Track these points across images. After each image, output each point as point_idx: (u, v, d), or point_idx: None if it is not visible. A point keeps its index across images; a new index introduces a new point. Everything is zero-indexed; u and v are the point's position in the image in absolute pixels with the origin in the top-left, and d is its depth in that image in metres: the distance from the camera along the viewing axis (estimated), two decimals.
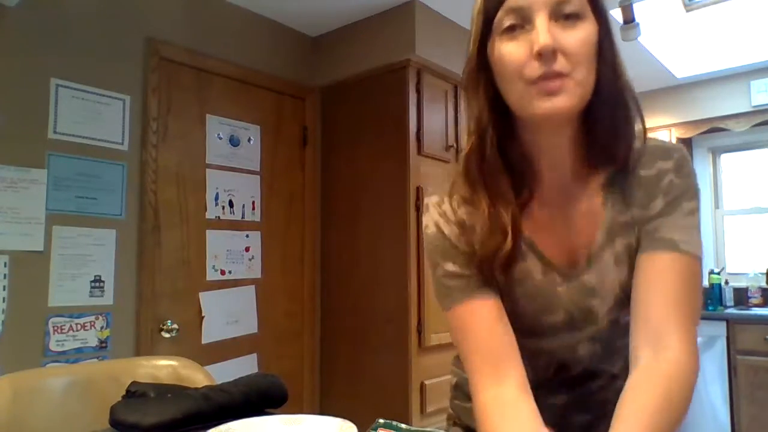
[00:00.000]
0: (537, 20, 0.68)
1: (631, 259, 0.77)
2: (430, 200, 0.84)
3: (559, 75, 0.68)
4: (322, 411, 2.74)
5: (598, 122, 0.74)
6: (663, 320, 0.70)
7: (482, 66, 0.75)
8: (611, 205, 0.78)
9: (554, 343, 0.84)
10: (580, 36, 0.69)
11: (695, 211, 0.75)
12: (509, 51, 0.70)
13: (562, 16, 0.69)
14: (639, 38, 2.73)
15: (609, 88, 0.72)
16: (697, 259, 0.73)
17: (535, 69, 0.68)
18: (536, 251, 0.80)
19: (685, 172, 0.76)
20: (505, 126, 0.76)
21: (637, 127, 0.77)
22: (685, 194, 0.75)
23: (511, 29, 0.70)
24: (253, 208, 2.63)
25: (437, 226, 0.81)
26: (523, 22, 0.70)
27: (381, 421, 0.79)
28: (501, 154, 0.77)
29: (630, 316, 0.74)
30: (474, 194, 0.78)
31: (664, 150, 0.78)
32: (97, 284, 2.07)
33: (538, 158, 0.78)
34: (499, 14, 0.71)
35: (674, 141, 3.79)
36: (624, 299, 0.78)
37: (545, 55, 0.67)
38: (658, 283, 0.72)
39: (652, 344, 0.69)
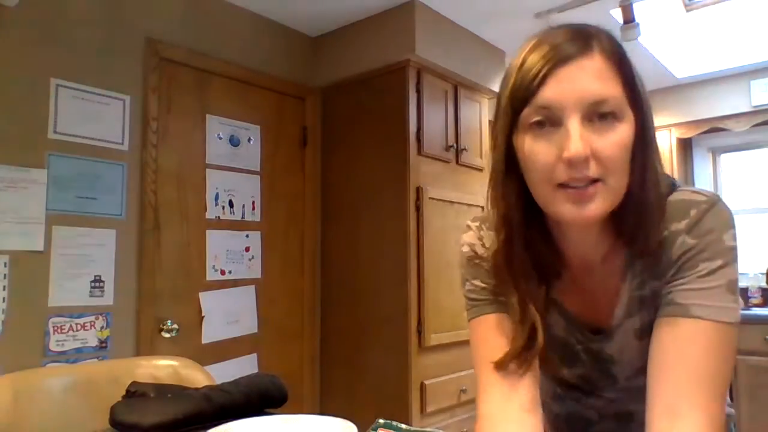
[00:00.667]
0: (570, 124, 0.63)
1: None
2: (473, 222, 0.85)
3: (592, 180, 0.64)
4: (322, 411, 2.74)
5: (628, 218, 0.70)
6: (678, 393, 0.64)
7: (510, 160, 0.70)
8: (629, 281, 0.75)
9: (574, 395, 0.86)
10: (615, 140, 0.64)
11: (718, 271, 0.67)
12: (537, 151, 0.66)
13: (597, 116, 0.64)
14: (639, 38, 2.73)
15: (642, 187, 0.68)
16: (717, 324, 0.66)
17: (563, 173, 0.64)
18: (560, 308, 0.80)
19: (702, 229, 0.68)
20: (532, 218, 0.73)
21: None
22: (701, 253, 0.68)
23: (540, 125, 0.66)
24: (253, 208, 2.63)
25: (471, 246, 0.83)
26: (552, 122, 0.65)
27: (381, 421, 0.79)
28: (528, 246, 0.74)
29: (647, 384, 0.70)
30: (504, 289, 0.77)
31: (681, 208, 0.70)
32: (97, 284, 2.07)
33: (566, 248, 0.77)
34: (527, 110, 0.66)
35: (674, 141, 3.79)
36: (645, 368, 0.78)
37: (576, 163, 0.63)
38: (670, 353, 0.67)
39: (667, 417, 0.64)
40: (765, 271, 3.64)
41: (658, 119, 3.81)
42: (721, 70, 3.55)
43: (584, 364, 0.82)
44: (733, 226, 0.69)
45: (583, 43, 0.66)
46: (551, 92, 0.64)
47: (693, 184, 4.03)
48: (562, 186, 0.65)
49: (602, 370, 0.82)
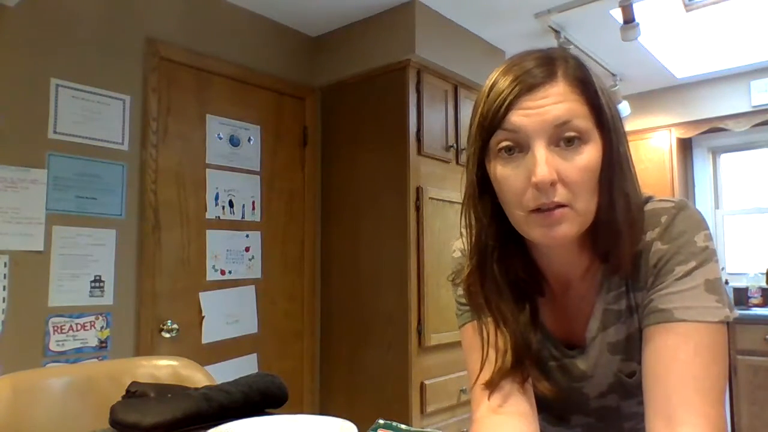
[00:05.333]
0: (536, 149, 0.65)
1: (632, 345, 0.75)
2: (465, 229, 0.86)
3: (559, 205, 0.65)
4: (322, 411, 2.74)
5: (600, 238, 0.72)
6: (674, 400, 0.64)
7: (483, 184, 0.72)
8: (604, 294, 0.76)
9: (546, 413, 0.86)
10: (581, 164, 0.66)
11: (694, 272, 0.67)
12: (507, 176, 0.68)
13: (564, 140, 0.66)
14: (639, 38, 2.73)
15: (610, 208, 0.69)
16: (702, 325, 0.65)
17: (532, 198, 0.66)
18: (539, 324, 0.81)
19: (673, 234, 0.69)
20: (508, 239, 0.75)
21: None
22: (675, 257, 0.68)
23: (509, 150, 0.68)
24: (253, 208, 2.63)
25: (463, 252, 0.84)
26: (520, 147, 0.67)
27: (381, 421, 0.79)
28: (503, 267, 0.75)
29: (643, 396, 0.69)
30: (477, 308, 0.78)
31: (652, 217, 0.72)
32: (97, 284, 2.07)
33: (545, 266, 0.78)
34: (495, 136, 0.68)
35: (674, 141, 3.79)
36: (620, 385, 0.79)
37: (543, 188, 0.65)
38: (660, 360, 0.66)
39: (666, 427, 0.64)
40: (765, 271, 3.64)
41: (658, 119, 3.82)
42: (721, 70, 3.55)
43: (555, 382, 0.82)
44: (704, 227, 0.70)
45: (548, 70, 0.67)
46: (516, 118, 0.66)
47: (693, 184, 4.04)
48: (534, 211, 0.67)
49: (573, 389, 0.82)
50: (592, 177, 0.67)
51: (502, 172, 0.68)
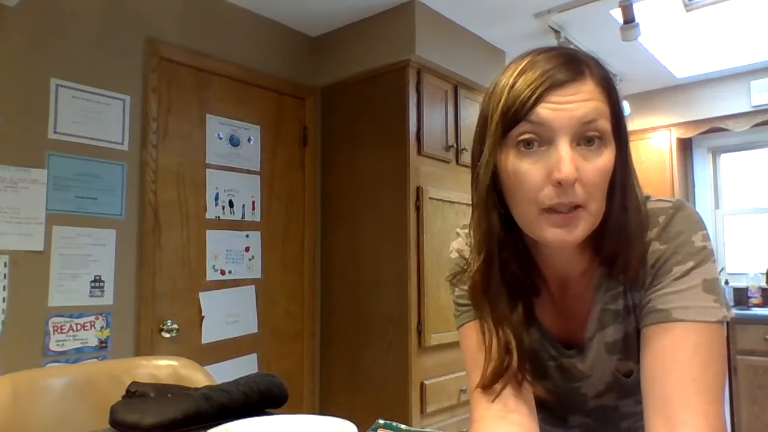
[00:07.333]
0: (560, 146, 0.64)
1: (629, 345, 0.75)
2: (462, 230, 0.86)
3: (574, 206, 0.65)
4: (322, 411, 2.74)
5: (607, 241, 0.71)
6: (673, 401, 0.63)
7: (495, 179, 0.70)
8: (602, 294, 0.76)
9: (545, 413, 0.86)
10: (599, 165, 0.66)
11: (692, 272, 0.67)
12: (525, 171, 0.66)
13: (585, 140, 0.65)
14: (639, 38, 2.73)
15: (623, 212, 0.70)
16: (701, 325, 0.65)
17: (550, 196, 0.65)
18: (537, 324, 0.81)
19: (670, 234, 0.69)
20: (510, 237, 0.74)
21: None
22: (672, 257, 0.68)
23: (528, 144, 0.66)
24: (253, 208, 2.63)
25: (460, 252, 0.84)
26: (542, 141, 0.66)
27: (381, 421, 0.79)
28: (505, 266, 0.75)
29: (642, 397, 0.69)
30: (480, 309, 0.78)
31: (650, 217, 0.72)
32: (97, 284, 2.07)
33: (544, 266, 0.78)
34: (518, 128, 0.66)
35: (674, 141, 3.79)
36: (618, 385, 0.79)
37: (565, 186, 0.64)
38: (658, 361, 0.66)
39: (665, 427, 0.63)
40: (765, 271, 3.64)
41: (658, 119, 3.82)
42: (721, 70, 3.55)
43: (554, 382, 0.82)
44: (702, 227, 0.70)
45: (576, 69, 0.67)
46: (544, 111, 0.65)
47: (693, 184, 4.04)
48: (548, 210, 0.66)
49: (571, 389, 0.82)
50: (606, 180, 0.67)
51: (520, 166, 0.66)
